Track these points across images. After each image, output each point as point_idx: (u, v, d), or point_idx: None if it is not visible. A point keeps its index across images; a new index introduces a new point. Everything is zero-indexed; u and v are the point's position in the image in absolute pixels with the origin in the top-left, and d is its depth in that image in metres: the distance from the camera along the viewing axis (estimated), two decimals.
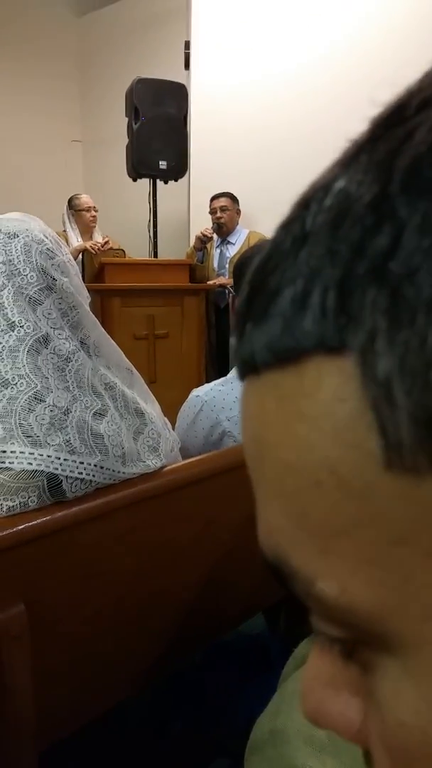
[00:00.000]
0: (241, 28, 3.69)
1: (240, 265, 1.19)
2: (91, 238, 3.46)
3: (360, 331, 0.14)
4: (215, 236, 3.43)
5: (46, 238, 0.82)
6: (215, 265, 3.44)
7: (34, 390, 0.74)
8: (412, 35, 3.14)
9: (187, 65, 3.94)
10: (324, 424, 0.15)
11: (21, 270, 0.77)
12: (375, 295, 0.13)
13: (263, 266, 0.17)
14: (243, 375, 0.18)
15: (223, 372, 3.33)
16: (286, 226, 0.17)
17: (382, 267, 0.13)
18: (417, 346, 0.13)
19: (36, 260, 0.78)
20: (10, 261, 0.77)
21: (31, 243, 0.79)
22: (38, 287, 0.78)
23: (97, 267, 3.16)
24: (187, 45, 3.92)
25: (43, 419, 0.74)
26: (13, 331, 0.75)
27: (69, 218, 3.49)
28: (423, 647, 0.15)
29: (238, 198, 3.48)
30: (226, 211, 3.40)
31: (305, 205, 0.16)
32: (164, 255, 3.69)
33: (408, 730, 0.16)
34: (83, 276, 3.19)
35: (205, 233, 3.35)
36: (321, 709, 0.19)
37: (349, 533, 0.15)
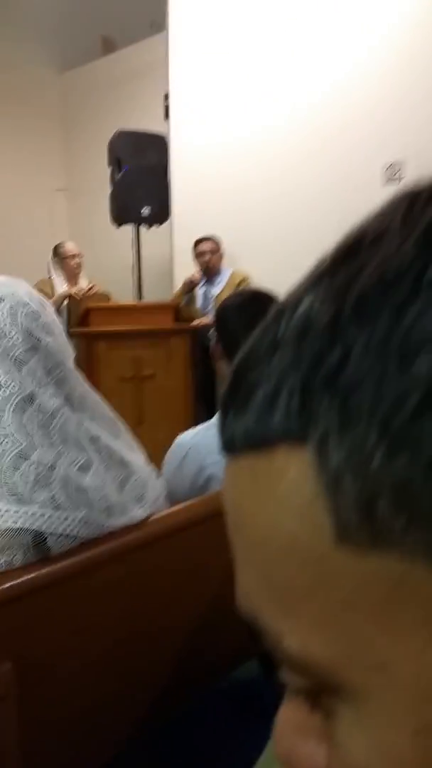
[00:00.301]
0: (218, 79, 3.85)
1: (221, 311, 1.24)
2: (76, 283, 3.52)
3: (317, 428, 0.17)
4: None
5: (31, 300, 0.85)
6: (199, 304, 3.51)
7: (19, 448, 0.76)
8: (390, 93, 3.30)
9: (166, 116, 4.10)
10: (288, 503, 0.18)
11: (7, 333, 0.80)
12: (329, 400, 0.17)
13: (245, 362, 0.20)
14: (225, 453, 0.21)
15: (210, 410, 3.36)
16: (264, 330, 0.20)
17: (335, 378, 0.17)
18: (359, 445, 0.16)
19: (21, 323, 0.81)
20: None
21: (17, 306, 0.82)
22: (24, 348, 0.81)
23: (82, 312, 3.21)
24: (166, 97, 4.09)
25: (28, 476, 0.75)
26: None
27: (55, 266, 3.56)
28: (369, 697, 0.18)
29: (220, 239, 3.58)
30: (213, 254, 3.50)
31: (279, 315, 0.20)
32: (149, 297, 3.76)
33: None
34: (69, 321, 3.24)
35: (194, 279, 3.43)
36: (291, 753, 0.22)
37: (307, 598, 0.18)
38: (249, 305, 1.20)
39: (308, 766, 0.21)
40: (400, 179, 3.32)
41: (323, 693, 0.19)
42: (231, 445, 0.20)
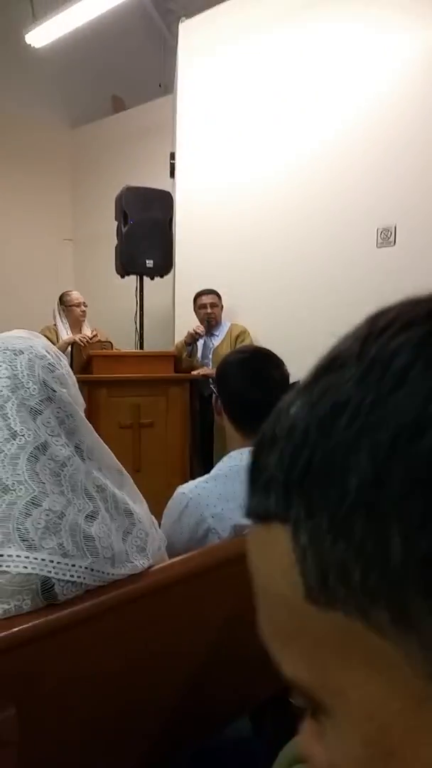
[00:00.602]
0: (222, 140, 4.03)
1: (223, 367, 1.29)
2: (80, 331, 3.60)
3: (292, 514, 0.23)
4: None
5: (48, 353, 0.90)
6: (199, 355, 3.58)
7: (32, 495, 0.80)
8: (386, 159, 3.48)
9: (172, 174, 4.29)
10: (278, 565, 0.24)
11: (24, 383, 0.85)
12: (299, 494, 0.23)
13: (259, 448, 0.26)
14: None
15: (207, 460, 3.37)
16: (272, 421, 0.26)
17: (303, 477, 0.23)
18: (316, 531, 0.22)
19: (39, 374, 0.86)
20: (15, 375, 0.85)
21: (35, 359, 0.87)
22: (39, 399, 0.85)
23: (85, 359, 3.27)
24: (173, 156, 4.29)
25: (39, 523, 0.79)
26: (14, 439, 0.82)
27: (60, 313, 3.64)
28: (335, 714, 0.24)
29: (219, 292, 3.69)
30: (215, 307, 3.59)
31: (280, 412, 0.25)
32: (150, 346, 3.83)
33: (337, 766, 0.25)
34: (72, 367, 3.29)
35: (198, 331, 3.51)
36: (309, 753, 0.27)
37: (292, 636, 0.24)
38: (249, 363, 1.25)
39: (318, 763, 0.27)
40: (393, 242, 3.46)
41: (315, 708, 0.25)
42: (249, 515, 0.26)
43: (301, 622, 0.23)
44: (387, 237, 3.48)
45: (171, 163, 4.30)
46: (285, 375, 1.26)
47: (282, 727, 1.36)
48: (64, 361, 0.95)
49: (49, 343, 0.95)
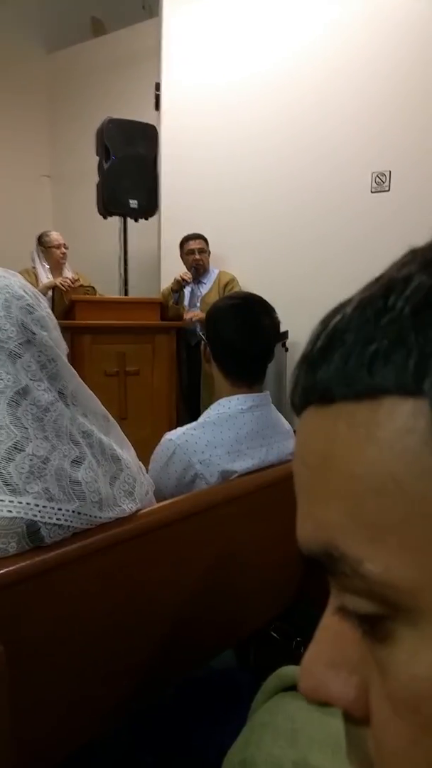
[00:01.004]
0: (210, 69, 3.81)
1: (212, 314, 1.26)
2: (60, 274, 3.50)
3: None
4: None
5: (26, 293, 0.87)
6: (186, 303, 3.51)
7: (14, 440, 0.78)
8: (383, 106, 3.34)
9: (157, 106, 4.07)
10: (393, 446, 0.20)
11: (1, 326, 0.81)
12: None
13: (344, 325, 0.23)
14: (306, 405, 0.24)
15: (194, 409, 3.37)
16: (367, 300, 0.23)
17: None
18: None
19: (16, 316, 0.83)
20: None
21: (11, 299, 0.84)
22: (18, 341, 0.82)
23: (67, 304, 3.20)
24: (158, 86, 4.06)
25: (23, 468, 0.77)
26: None
27: (39, 255, 3.52)
28: None
29: (207, 238, 3.59)
30: (203, 253, 3.49)
31: (387, 288, 0.22)
32: (134, 293, 3.75)
33: (421, 679, 0.21)
34: (53, 312, 3.22)
35: (185, 277, 3.42)
36: (320, 686, 0.24)
37: (398, 527, 0.21)
38: (240, 309, 1.22)
39: (339, 695, 0.24)
40: (388, 188, 3.37)
41: (385, 619, 0.22)
42: (325, 395, 0.23)
43: (420, 508, 0.20)
44: (381, 182, 3.39)
45: (156, 94, 4.07)
46: (276, 322, 1.24)
47: (265, 658, 1.41)
48: (44, 302, 0.91)
49: (27, 282, 0.91)
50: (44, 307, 0.90)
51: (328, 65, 3.46)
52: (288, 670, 0.79)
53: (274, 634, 1.39)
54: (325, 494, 0.23)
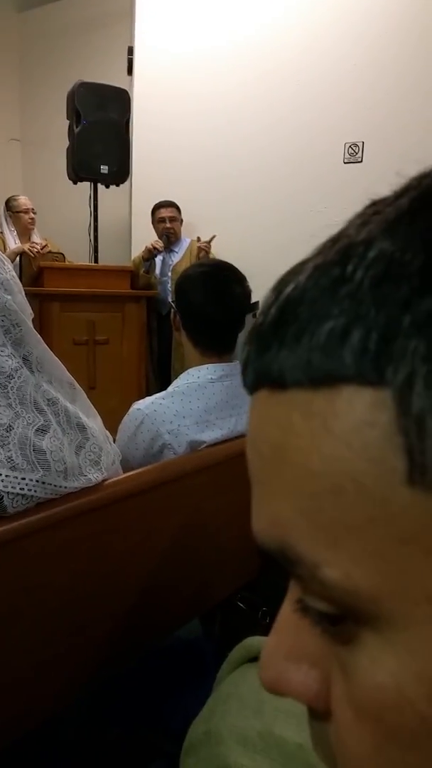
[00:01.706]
0: (185, 35, 3.73)
1: (182, 282, 1.23)
2: (29, 240, 3.40)
3: (399, 371, 0.17)
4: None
5: None
6: (157, 272, 3.46)
7: None
8: (356, 76, 3.29)
9: (130, 71, 3.95)
10: (352, 441, 0.18)
11: None
12: (416, 344, 0.17)
13: (298, 296, 0.20)
14: (258, 386, 0.21)
15: (164, 379, 3.35)
16: (323, 268, 0.20)
17: (427, 322, 0.17)
18: None
19: None
20: None
21: None
22: None
23: (35, 270, 3.11)
24: (131, 51, 3.93)
25: None
26: None
27: (6, 219, 3.41)
28: (409, 626, 0.19)
29: (180, 206, 3.52)
30: (174, 221, 3.43)
31: (345, 254, 0.19)
32: (105, 260, 3.67)
33: (383, 689, 0.19)
34: (20, 279, 3.14)
35: (156, 246, 3.35)
36: (281, 678, 0.23)
37: (360, 531, 0.18)
38: (210, 277, 1.20)
39: (300, 689, 0.23)
40: (361, 159, 3.35)
41: (348, 620, 0.20)
42: (277, 379, 0.20)
43: (382, 513, 0.18)
44: (354, 153, 3.36)
45: (129, 58, 3.95)
46: (247, 291, 1.22)
47: (231, 628, 1.43)
48: (8, 265, 0.87)
49: None
50: (8, 270, 0.86)
51: (303, 35, 3.40)
52: (254, 641, 0.80)
53: (240, 604, 1.40)
54: (279, 489, 0.21)
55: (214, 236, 3.34)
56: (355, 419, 0.18)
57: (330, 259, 0.20)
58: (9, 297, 0.82)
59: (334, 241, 0.21)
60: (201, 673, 1.21)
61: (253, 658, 0.78)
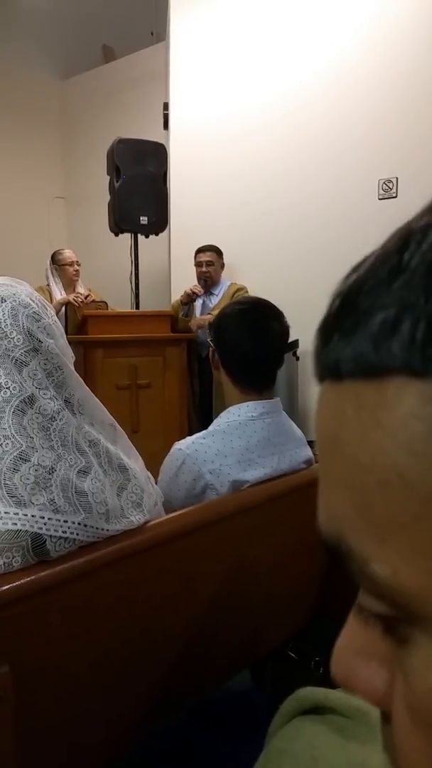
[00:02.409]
0: (218, 89, 3.88)
1: (220, 319, 1.23)
2: (74, 290, 3.52)
3: None
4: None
5: (33, 301, 0.85)
6: (197, 315, 3.51)
7: (19, 450, 0.76)
8: (389, 112, 3.34)
9: (166, 125, 4.13)
10: (399, 435, 0.17)
11: (8, 333, 0.80)
12: None
13: (358, 286, 0.19)
14: (323, 378, 0.21)
15: (206, 421, 3.35)
16: (382, 257, 0.19)
17: None
18: None
19: (23, 323, 0.81)
20: None
21: (18, 307, 0.82)
22: (24, 349, 0.81)
23: (80, 319, 3.21)
24: (166, 106, 4.12)
25: (28, 479, 0.75)
26: None
27: (52, 273, 3.55)
28: None
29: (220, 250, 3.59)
30: (211, 265, 3.49)
31: (404, 242, 0.19)
32: (146, 306, 3.76)
33: None
34: (66, 328, 3.24)
35: (195, 290, 3.42)
36: (351, 675, 0.22)
37: (407, 527, 0.18)
38: (248, 314, 1.20)
39: (367, 688, 0.22)
40: (395, 194, 3.36)
41: (402, 620, 0.19)
42: (334, 370, 0.20)
43: (427, 507, 0.17)
44: (389, 188, 3.38)
45: (164, 113, 4.14)
46: (285, 328, 1.21)
47: (282, 679, 1.36)
48: (51, 311, 0.89)
49: (33, 290, 0.89)
50: (51, 315, 0.88)
51: (332, 74, 3.49)
52: (307, 692, 0.75)
53: (292, 654, 1.34)
54: (334, 481, 0.20)
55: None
56: (402, 412, 0.17)
57: (389, 248, 0.19)
58: (51, 341, 0.84)
59: (398, 230, 0.20)
60: (252, 726, 1.15)
61: (307, 711, 0.74)
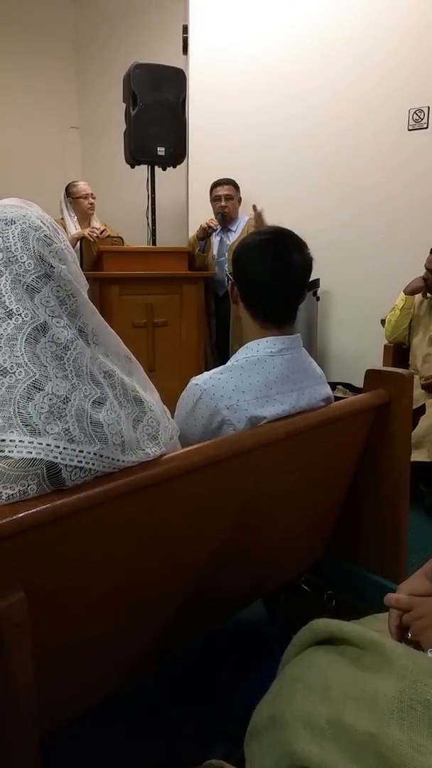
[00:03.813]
0: (241, 12, 3.64)
1: (239, 252, 1.18)
2: (89, 225, 3.43)
3: None
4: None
5: (44, 224, 0.81)
6: (215, 252, 3.42)
7: (33, 378, 0.74)
8: (420, 38, 3.10)
9: (185, 50, 3.89)
10: None
11: (18, 257, 0.76)
12: None
13: None
14: None
15: (222, 360, 3.31)
16: None
17: None
18: None
19: (33, 247, 0.78)
20: (8, 248, 0.76)
21: (29, 230, 0.78)
22: (36, 275, 0.77)
23: (95, 255, 3.14)
24: (185, 29, 3.87)
25: (42, 408, 0.73)
26: (10, 319, 0.74)
27: (67, 206, 3.45)
28: None
29: (238, 184, 3.46)
30: (230, 200, 3.37)
31: None
32: (162, 243, 3.66)
33: None
34: (81, 264, 3.18)
35: (211, 224, 3.32)
36: None
37: None
38: (270, 245, 1.14)
39: None
40: (426, 125, 3.16)
41: None
42: None
43: None
44: (419, 119, 3.18)
45: (184, 37, 3.90)
46: (308, 259, 1.15)
47: (295, 611, 1.39)
48: (62, 235, 0.85)
49: (44, 213, 0.85)
50: (62, 239, 0.84)
51: (365, 11, 3.24)
52: (321, 623, 0.75)
53: (305, 587, 1.36)
54: None
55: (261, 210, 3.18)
56: None
57: None
58: (64, 267, 0.81)
59: None
60: (265, 656, 1.17)
61: (321, 642, 0.74)
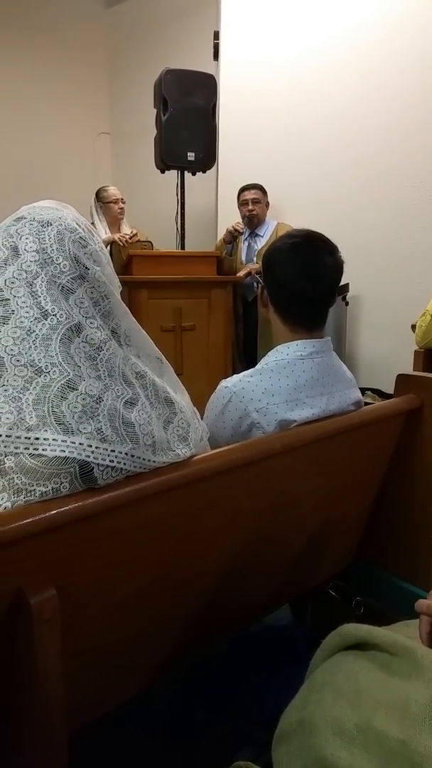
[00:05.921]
0: (271, 19, 3.64)
1: (269, 255, 1.18)
2: (119, 230, 3.47)
3: None
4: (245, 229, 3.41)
5: (79, 226, 0.82)
6: (243, 257, 3.42)
7: (67, 378, 0.75)
8: None
9: (216, 56, 3.92)
10: None
11: (54, 259, 0.78)
12: None
13: None
14: None
15: (250, 364, 3.31)
16: None
17: None
18: None
19: (69, 249, 0.79)
20: (44, 249, 0.78)
21: (64, 231, 0.80)
22: (71, 276, 0.78)
23: (125, 259, 3.17)
24: (217, 35, 3.90)
25: (76, 407, 0.74)
26: (46, 319, 0.76)
27: (97, 210, 3.50)
28: None
29: (266, 190, 3.46)
30: (257, 203, 3.38)
31: None
32: (191, 247, 3.69)
33: None
34: None
35: (237, 227, 3.34)
36: None
37: None
38: (301, 248, 1.14)
39: None
40: None
41: None
42: None
43: None
44: None
45: (215, 43, 3.93)
46: (339, 263, 1.15)
47: (322, 617, 1.38)
48: (97, 237, 0.87)
49: (79, 215, 0.86)
50: (97, 241, 0.86)
51: (394, 13, 3.21)
52: (350, 628, 0.74)
53: (333, 593, 1.35)
54: None
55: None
56: None
57: None
58: (98, 268, 0.82)
59: None
60: (292, 661, 1.16)
61: (350, 647, 0.73)
